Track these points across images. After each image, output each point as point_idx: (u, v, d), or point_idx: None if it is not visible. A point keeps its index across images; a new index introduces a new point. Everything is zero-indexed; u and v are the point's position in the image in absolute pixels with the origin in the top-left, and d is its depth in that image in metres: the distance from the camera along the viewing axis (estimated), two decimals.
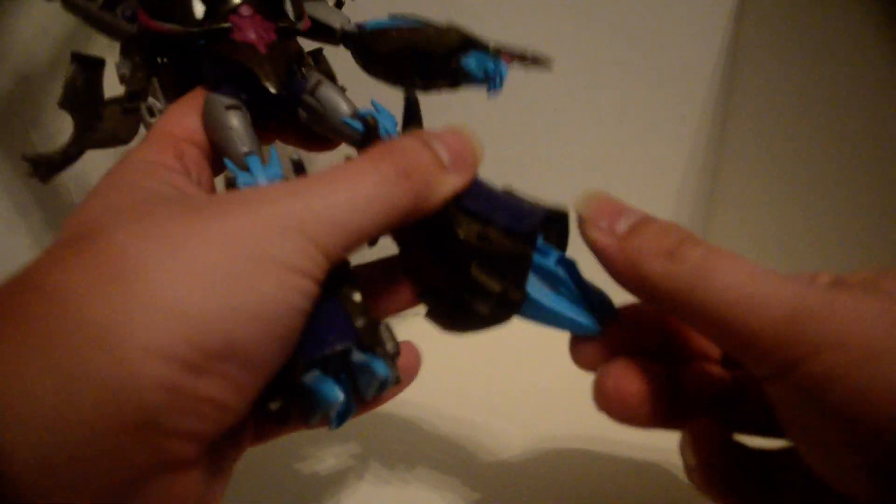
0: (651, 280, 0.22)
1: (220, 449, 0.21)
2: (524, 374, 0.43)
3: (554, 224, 0.26)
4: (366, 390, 0.22)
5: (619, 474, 0.36)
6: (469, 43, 0.28)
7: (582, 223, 0.24)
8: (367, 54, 0.29)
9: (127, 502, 0.17)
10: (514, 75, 0.45)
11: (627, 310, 0.26)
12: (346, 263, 0.23)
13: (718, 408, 0.26)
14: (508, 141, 0.49)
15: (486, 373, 0.44)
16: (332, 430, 0.23)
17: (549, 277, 0.25)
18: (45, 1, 0.28)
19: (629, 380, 0.24)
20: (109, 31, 0.27)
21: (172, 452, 0.18)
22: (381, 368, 0.21)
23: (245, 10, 0.27)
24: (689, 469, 0.26)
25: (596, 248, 0.23)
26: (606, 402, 0.25)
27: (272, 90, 0.25)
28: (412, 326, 0.28)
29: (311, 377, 0.21)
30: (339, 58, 0.30)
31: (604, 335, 0.25)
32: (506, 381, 0.43)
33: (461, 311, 0.24)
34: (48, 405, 0.16)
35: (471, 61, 0.28)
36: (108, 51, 0.29)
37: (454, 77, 0.28)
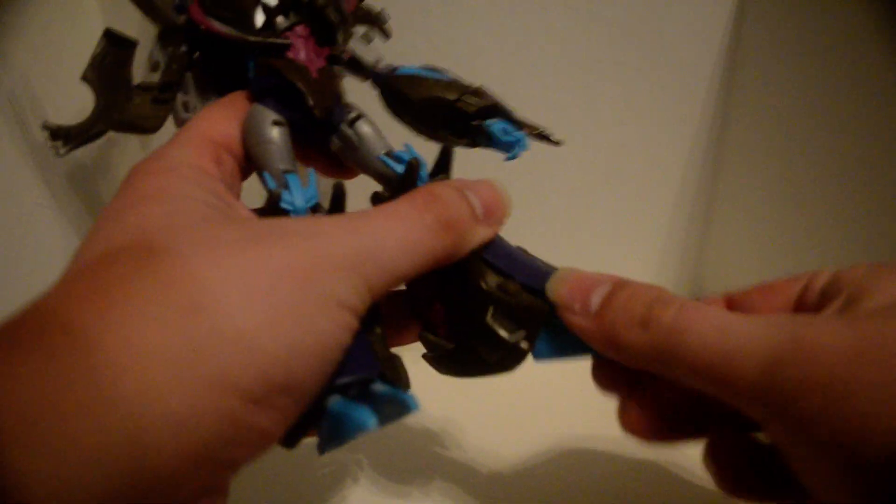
0: (631, 350, 0.22)
1: None
2: (521, 374, 0.44)
3: None
4: (385, 419, 0.22)
5: (619, 474, 0.36)
6: (498, 108, 0.29)
7: (559, 309, 0.24)
8: (398, 97, 0.30)
9: None
10: (514, 75, 0.47)
11: None
12: (375, 304, 0.24)
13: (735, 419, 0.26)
14: None
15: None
16: (322, 453, 0.23)
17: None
18: None
19: (645, 413, 0.25)
20: (155, 13, 0.27)
21: (216, 482, 0.18)
22: (411, 402, 0.22)
23: (301, 30, 0.27)
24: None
25: (575, 331, 0.24)
26: (630, 430, 0.26)
27: (318, 114, 0.25)
28: None
29: (333, 401, 0.21)
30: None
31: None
32: (502, 381, 0.43)
33: (466, 357, 0.25)
34: (123, 440, 0.15)
35: (497, 126, 0.29)
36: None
37: (476, 137, 0.29)
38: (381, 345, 0.23)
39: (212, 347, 0.17)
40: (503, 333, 0.24)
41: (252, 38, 0.26)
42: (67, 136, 0.25)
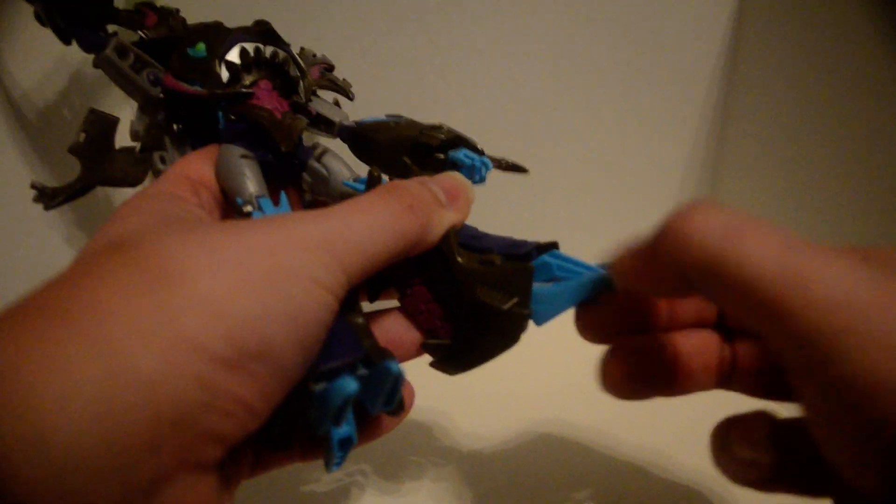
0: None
1: (228, 468, 0.21)
2: (521, 369, 0.40)
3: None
4: (375, 400, 0.22)
5: (616, 463, 0.36)
6: (460, 140, 0.31)
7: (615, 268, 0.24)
8: (365, 143, 0.32)
9: (153, 501, 0.17)
10: (515, 74, 0.47)
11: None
12: (355, 294, 0.24)
13: (718, 376, 0.26)
14: (508, 141, 0.48)
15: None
16: (330, 470, 0.23)
17: (542, 270, 0.26)
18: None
19: (628, 363, 0.25)
20: (134, 90, 0.30)
21: (199, 453, 0.18)
22: (394, 366, 0.21)
23: (264, 85, 0.30)
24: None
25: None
26: (610, 387, 0.26)
27: (284, 148, 0.27)
28: None
29: (321, 386, 0.21)
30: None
31: (604, 309, 0.26)
32: (502, 376, 0.41)
33: (471, 345, 0.26)
34: (89, 395, 0.16)
35: (459, 154, 0.31)
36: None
37: (442, 167, 0.31)
38: (366, 333, 0.23)
39: (179, 311, 0.17)
40: (497, 304, 0.25)
41: (219, 92, 0.28)
42: (53, 195, 0.27)
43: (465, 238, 0.27)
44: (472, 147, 0.32)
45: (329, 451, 0.23)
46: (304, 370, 0.21)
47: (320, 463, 0.24)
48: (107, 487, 0.16)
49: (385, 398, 0.22)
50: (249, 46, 0.29)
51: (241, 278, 0.19)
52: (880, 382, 0.16)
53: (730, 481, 0.24)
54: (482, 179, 0.31)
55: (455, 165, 0.31)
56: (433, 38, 0.45)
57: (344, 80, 0.37)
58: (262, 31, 0.30)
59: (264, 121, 0.28)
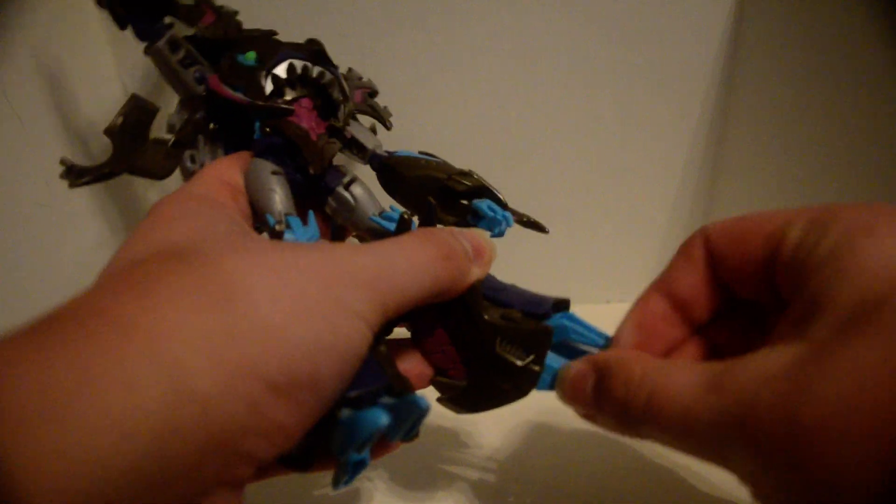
0: (623, 431, 0.25)
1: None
2: None
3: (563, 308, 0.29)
4: (397, 430, 0.22)
5: (621, 472, 0.36)
6: (485, 190, 0.32)
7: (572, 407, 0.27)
8: (393, 175, 0.32)
9: None
10: (514, 73, 0.47)
11: None
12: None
13: None
14: (508, 140, 0.48)
15: None
16: (337, 488, 0.23)
17: (558, 333, 0.27)
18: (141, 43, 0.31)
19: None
20: (178, 84, 0.30)
21: (236, 473, 0.18)
22: (423, 402, 0.22)
23: (306, 103, 0.30)
24: None
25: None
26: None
27: (313, 170, 0.28)
28: None
29: (346, 413, 0.21)
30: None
31: None
32: None
33: (482, 391, 0.27)
34: (152, 413, 0.16)
35: (484, 204, 0.31)
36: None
37: (464, 213, 0.31)
38: (389, 363, 0.24)
39: (241, 334, 0.18)
40: (513, 360, 0.26)
41: (260, 103, 0.28)
42: (80, 173, 0.28)
43: (486, 290, 0.27)
44: (497, 199, 0.32)
45: (342, 471, 0.23)
46: (338, 398, 0.21)
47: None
48: (151, 501, 0.16)
49: (407, 429, 0.23)
50: (298, 64, 0.30)
51: (298, 306, 0.19)
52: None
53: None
54: (501, 233, 0.31)
55: (476, 213, 0.31)
56: (433, 38, 0.45)
57: (385, 108, 0.37)
58: (313, 51, 0.30)
59: (298, 139, 0.28)
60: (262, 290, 0.19)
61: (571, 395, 0.26)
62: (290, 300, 0.19)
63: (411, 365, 0.27)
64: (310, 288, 0.20)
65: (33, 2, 0.33)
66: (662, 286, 0.28)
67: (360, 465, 0.23)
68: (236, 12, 0.34)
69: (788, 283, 0.23)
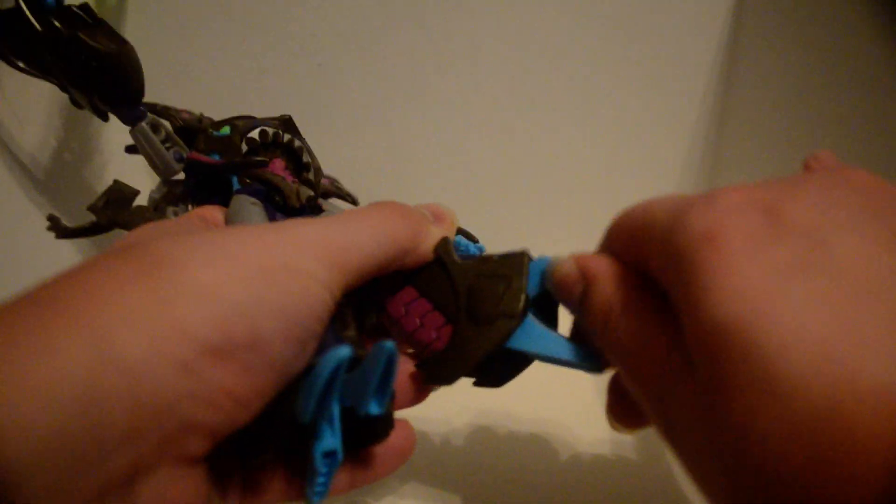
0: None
1: (222, 472, 0.21)
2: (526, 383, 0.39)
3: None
4: (366, 386, 0.21)
5: (614, 473, 0.35)
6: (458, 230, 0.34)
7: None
8: None
9: (126, 493, 0.17)
10: (513, 72, 0.47)
11: None
12: (347, 307, 0.24)
13: None
14: (507, 140, 0.48)
15: None
16: (311, 501, 0.22)
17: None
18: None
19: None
20: (160, 162, 0.33)
21: (182, 445, 0.18)
22: (388, 343, 0.20)
23: (278, 163, 0.32)
24: None
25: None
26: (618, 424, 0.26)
27: (293, 204, 0.29)
28: None
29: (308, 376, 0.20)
30: None
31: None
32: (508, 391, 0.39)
33: (470, 338, 0.25)
34: (77, 381, 0.16)
35: (458, 241, 0.33)
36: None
37: None
38: (360, 345, 0.23)
39: (170, 297, 0.18)
40: (492, 286, 0.25)
41: (237, 159, 0.31)
42: (64, 231, 0.29)
43: (462, 252, 0.28)
44: (469, 235, 0.34)
45: (311, 467, 0.21)
46: (299, 367, 0.20)
47: None
48: (87, 477, 0.16)
49: (377, 385, 0.21)
50: (269, 130, 0.33)
51: (234, 269, 0.19)
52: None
53: None
54: None
55: None
56: (432, 37, 0.45)
57: (349, 193, 0.40)
58: (284, 122, 0.34)
59: (274, 180, 0.30)
60: (192, 258, 0.19)
61: (558, 294, 0.25)
62: (225, 264, 0.19)
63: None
64: (250, 253, 0.20)
65: None
66: None
67: (330, 458, 0.22)
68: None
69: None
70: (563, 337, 0.25)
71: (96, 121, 0.32)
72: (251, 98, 0.47)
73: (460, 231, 0.34)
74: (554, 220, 0.52)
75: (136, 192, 0.33)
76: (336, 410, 0.22)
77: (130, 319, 0.17)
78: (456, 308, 0.26)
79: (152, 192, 0.32)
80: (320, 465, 0.21)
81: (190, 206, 0.31)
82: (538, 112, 0.49)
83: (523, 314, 0.25)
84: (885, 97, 0.36)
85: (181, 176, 0.33)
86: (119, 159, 0.33)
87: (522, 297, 0.25)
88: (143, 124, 0.32)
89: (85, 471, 0.16)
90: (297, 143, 0.34)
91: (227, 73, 0.46)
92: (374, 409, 0.22)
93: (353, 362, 0.22)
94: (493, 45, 0.47)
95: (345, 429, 0.22)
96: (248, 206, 0.29)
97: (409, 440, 0.26)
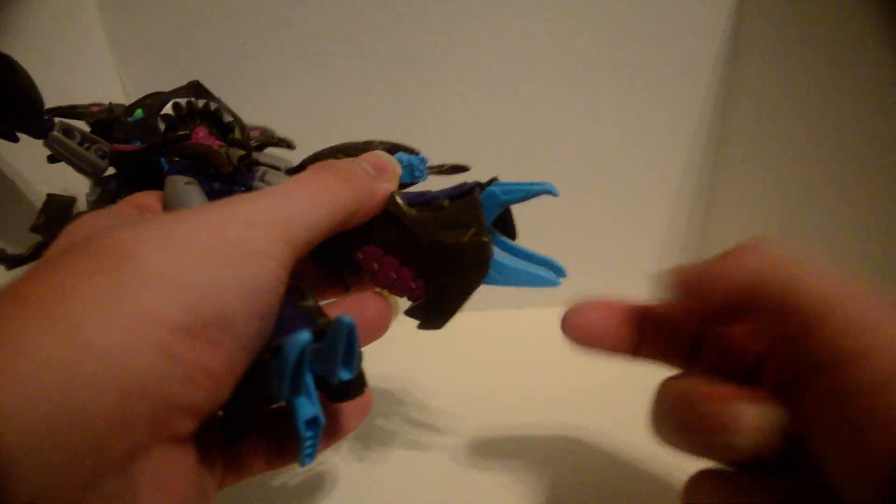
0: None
1: (208, 449, 0.22)
2: (515, 370, 0.43)
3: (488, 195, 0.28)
4: (333, 360, 0.22)
5: (608, 467, 0.36)
6: (396, 147, 0.33)
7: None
8: None
9: (123, 477, 0.17)
10: (514, 73, 0.48)
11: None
12: (303, 283, 0.25)
13: (675, 348, 0.28)
14: (507, 140, 0.49)
15: (472, 369, 0.43)
16: (303, 462, 0.23)
17: (490, 201, 0.27)
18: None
19: (595, 313, 0.28)
20: (85, 165, 0.32)
21: (171, 425, 0.18)
22: (346, 318, 0.21)
23: (201, 131, 0.32)
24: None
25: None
26: (571, 330, 0.28)
27: (227, 169, 0.29)
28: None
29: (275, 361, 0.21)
30: None
31: (598, 313, 0.28)
32: (495, 376, 0.43)
33: (445, 289, 0.26)
34: (56, 372, 0.16)
35: (400, 156, 0.33)
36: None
37: None
38: (319, 313, 0.24)
39: (136, 286, 0.18)
40: (456, 239, 0.26)
41: (158, 140, 0.30)
42: (14, 260, 0.29)
43: (410, 198, 0.28)
44: (409, 149, 0.34)
45: (297, 436, 0.22)
46: (262, 341, 0.21)
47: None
48: (81, 463, 0.16)
49: (343, 357, 0.22)
50: (182, 101, 0.32)
51: (192, 253, 0.20)
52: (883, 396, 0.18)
53: None
54: (421, 175, 0.33)
55: None
56: (433, 38, 0.46)
57: (282, 138, 0.40)
58: (194, 87, 0.33)
59: (201, 151, 0.30)
60: (151, 248, 0.19)
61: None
62: (181, 249, 0.19)
63: (368, 306, 0.28)
64: (201, 236, 0.20)
65: (33, 2, 0.34)
66: None
67: (314, 425, 0.23)
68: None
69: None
70: (526, 265, 0.27)
71: (5, 143, 0.31)
72: (252, 99, 0.47)
73: (399, 147, 0.34)
74: (554, 223, 0.52)
75: (72, 200, 0.32)
76: (310, 380, 0.23)
77: (100, 309, 0.17)
78: (424, 261, 0.27)
79: (87, 195, 0.32)
80: (304, 432, 0.22)
81: None
82: (539, 114, 0.49)
83: (490, 257, 0.26)
84: (885, 98, 0.36)
85: (112, 171, 0.33)
86: (44, 171, 0.33)
87: (487, 243, 0.26)
88: (55, 133, 0.31)
89: (77, 456, 0.16)
90: (212, 105, 0.33)
91: (227, 73, 0.46)
92: (345, 375, 0.23)
93: (318, 332, 0.23)
94: (494, 47, 0.47)
95: (320, 390, 0.23)
96: (183, 186, 0.29)
97: (366, 397, 0.27)
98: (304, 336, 0.21)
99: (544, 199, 0.52)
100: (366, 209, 0.26)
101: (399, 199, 0.27)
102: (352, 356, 0.23)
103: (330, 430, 0.27)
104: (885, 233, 0.37)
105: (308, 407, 0.23)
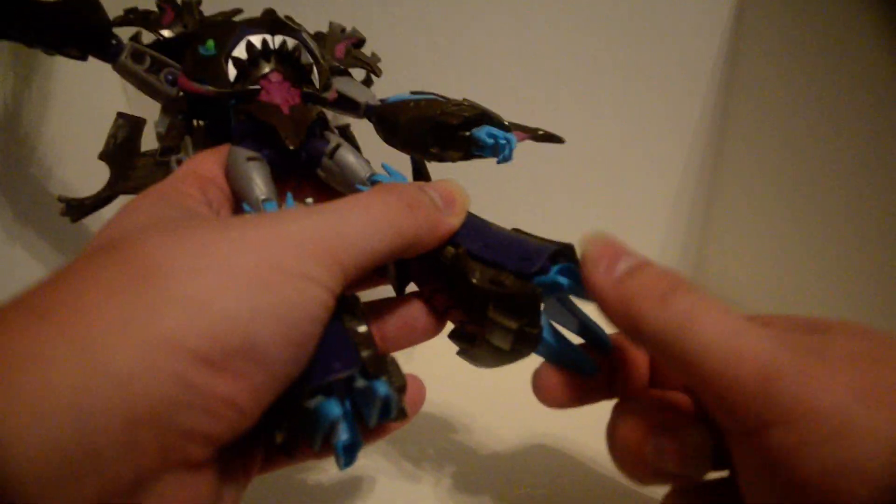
0: (640, 322, 0.22)
1: (232, 462, 0.22)
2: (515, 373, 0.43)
3: (563, 257, 0.27)
4: (369, 415, 0.22)
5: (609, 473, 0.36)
6: (483, 116, 0.30)
7: (583, 262, 0.24)
8: (388, 125, 0.31)
9: (137, 500, 0.17)
10: (512, 75, 0.47)
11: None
12: (355, 299, 0.24)
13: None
14: None
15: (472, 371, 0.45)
16: (342, 468, 0.23)
17: (551, 289, 0.26)
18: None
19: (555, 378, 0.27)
20: (153, 92, 0.30)
21: (184, 453, 0.18)
22: (381, 388, 0.21)
23: (274, 77, 0.29)
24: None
25: (593, 286, 0.24)
26: (539, 393, 0.27)
27: (290, 146, 0.27)
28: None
29: (315, 402, 0.21)
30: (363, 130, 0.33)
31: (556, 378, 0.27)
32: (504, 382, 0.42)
33: (487, 350, 0.25)
34: (67, 392, 0.16)
35: (482, 132, 0.29)
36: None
37: (466, 146, 0.30)
38: (366, 342, 0.23)
39: (158, 309, 0.17)
40: (506, 322, 0.24)
41: (225, 91, 0.28)
42: (80, 208, 0.29)
43: (477, 246, 0.26)
44: (498, 123, 0.30)
45: (337, 456, 0.23)
46: (299, 368, 0.20)
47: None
48: (86, 488, 0.16)
49: (378, 415, 0.22)
50: (256, 39, 0.28)
51: (225, 276, 0.18)
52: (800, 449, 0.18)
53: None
54: (507, 158, 0.29)
55: (477, 143, 0.29)
56: (432, 38, 0.45)
57: (373, 54, 0.36)
58: (270, 21, 0.29)
59: (270, 118, 0.27)
60: (181, 265, 0.18)
61: (597, 254, 0.24)
62: (216, 272, 0.18)
63: (413, 316, 0.27)
64: (239, 257, 0.19)
65: None
66: None
67: (351, 449, 0.23)
68: (198, 2, 0.33)
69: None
70: (569, 348, 0.26)
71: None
72: None
73: (487, 116, 0.30)
74: (554, 221, 0.52)
75: (142, 123, 0.31)
76: (349, 409, 0.23)
77: (119, 329, 0.17)
78: (477, 316, 0.25)
79: (156, 124, 0.30)
80: (342, 453, 0.23)
81: (192, 151, 0.29)
82: (538, 113, 0.48)
83: (535, 349, 0.25)
84: (885, 98, 0.36)
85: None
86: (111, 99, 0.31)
87: (535, 335, 0.25)
88: (122, 59, 0.29)
89: (82, 480, 0.16)
90: (290, 43, 0.29)
91: None
92: (383, 420, 0.23)
93: (361, 370, 0.22)
94: (495, 46, 0.46)
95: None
96: (244, 162, 0.27)
97: (419, 394, 0.26)
98: (334, 411, 0.21)
99: (545, 198, 0.51)
100: (426, 242, 0.24)
101: (469, 262, 0.25)
102: (388, 412, 0.23)
103: (372, 432, 0.26)
104: (884, 232, 0.37)
105: (345, 434, 0.23)
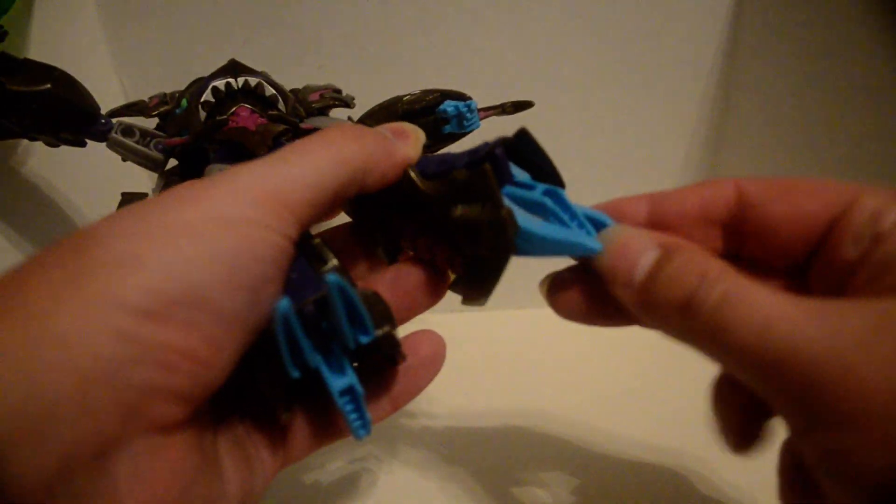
0: (672, 333, 0.22)
1: (244, 443, 0.22)
2: (515, 370, 0.43)
3: (526, 151, 0.25)
4: (339, 326, 0.21)
5: (608, 456, 0.36)
6: (445, 94, 0.30)
7: (601, 273, 0.23)
8: None
9: (96, 471, 0.17)
10: (513, 70, 0.47)
11: None
12: (319, 249, 0.24)
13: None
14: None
15: (472, 370, 0.44)
16: (357, 435, 0.22)
17: (538, 209, 0.24)
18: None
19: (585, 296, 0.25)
20: (146, 161, 0.33)
21: (150, 413, 0.18)
22: (331, 277, 0.20)
23: (242, 111, 0.31)
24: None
25: (618, 299, 0.23)
26: (554, 304, 0.26)
27: (261, 152, 0.28)
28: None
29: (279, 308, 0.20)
30: None
31: (579, 285, 0.25)
32: (494, 377, 0.43)
33: (476, 266, 0.24)
34: (11, 359, 0.16)
35: (445, 105, 0.30)
36: None
37: (434, 128, 0.30)
38: (343, 274, 0.23)
39: (94, 270, 0.18)
40: (471, 215, 0.23)
41: (198, 131, 0.30)
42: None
43: (429, 166, 0.25)
44: (458, 96, 0.31)
45: (339, 409, 0.22)
46: (260, 313, 0.20)
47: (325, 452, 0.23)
48: (45, 452, 0.16)
49: (347, 319, 0.21)
50: (220, 83, 0.31)
51: (159, 233, 0.19)
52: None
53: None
54: (473, 124, 0.30)
55: (444, 119, 0.30)
56: (432, 37, 0.46)
57: (347, 95, 0.38)
58: (231, 67, 0.32)
59: (237, 136, 0.29)
60: (114, 232, 0.19)
61: (612, 264, 0.23)
62: (149, 230, 0.19)
63: (409, 281, 0.26)
64: (176, 214, 0.19)
65: (33, 4, 0.35)
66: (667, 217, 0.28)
67: (350, 394, 0.22)
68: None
69: (852, 247, 0.22)
70: (561, 231, 0.24)
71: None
72: None
73: (448, 95, 0.31)
74: None
75: (144, 196, 0.33)
76: (336, 349, 0.22)
77: (56, 297, 0.17)
78: (451, 238, 0.24)
79: (153, 190, 0.33)
80: (343, 404, 0.21)
81: None
82: (537, 112, 0.46)
83: (514, 236, 0.22)
84: (885, 98, 0.36)
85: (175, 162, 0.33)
86: (118, 168, 0.34)
87: (504, 217, 0.22)
88: (113, 134, 0.32)
89: (41, 444, 0.16)
90: (252, 81, 0.32)
91: None
92: (362, 339, 0.21)
93: (343, 293, 0.21)
94: (494, 46, 0.47)
95: (359, 359, 0.22)
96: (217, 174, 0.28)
97: (438, 347, 0.25)
98: (283, 304, 0.19)
99: None
100: (382, 169, 0.24)
101: (413, 174, 0.25)
102: (356, 317, 0.21)
103: (399, 390, 0.25)
104: None
105: (338, 378, 0.21)
